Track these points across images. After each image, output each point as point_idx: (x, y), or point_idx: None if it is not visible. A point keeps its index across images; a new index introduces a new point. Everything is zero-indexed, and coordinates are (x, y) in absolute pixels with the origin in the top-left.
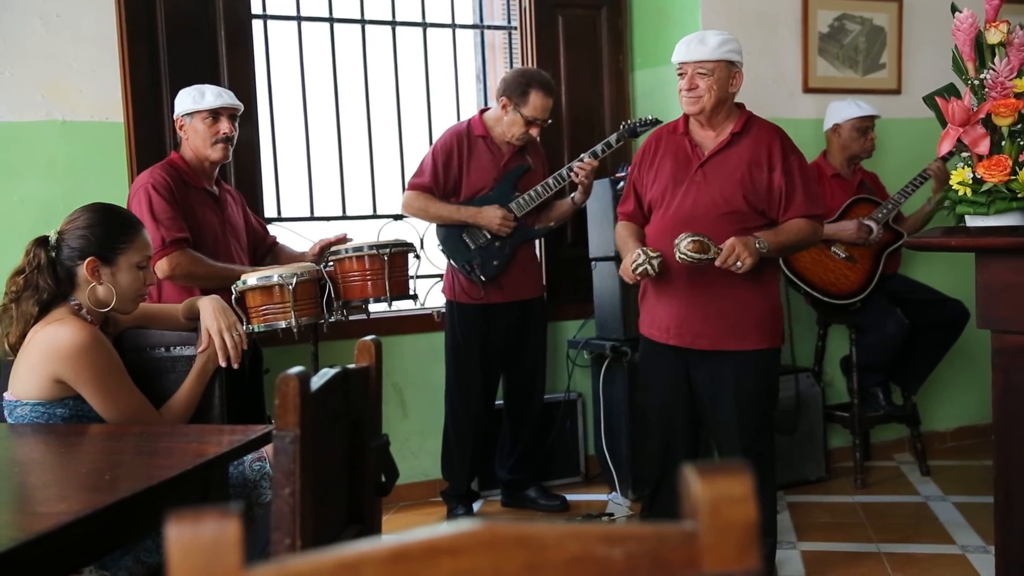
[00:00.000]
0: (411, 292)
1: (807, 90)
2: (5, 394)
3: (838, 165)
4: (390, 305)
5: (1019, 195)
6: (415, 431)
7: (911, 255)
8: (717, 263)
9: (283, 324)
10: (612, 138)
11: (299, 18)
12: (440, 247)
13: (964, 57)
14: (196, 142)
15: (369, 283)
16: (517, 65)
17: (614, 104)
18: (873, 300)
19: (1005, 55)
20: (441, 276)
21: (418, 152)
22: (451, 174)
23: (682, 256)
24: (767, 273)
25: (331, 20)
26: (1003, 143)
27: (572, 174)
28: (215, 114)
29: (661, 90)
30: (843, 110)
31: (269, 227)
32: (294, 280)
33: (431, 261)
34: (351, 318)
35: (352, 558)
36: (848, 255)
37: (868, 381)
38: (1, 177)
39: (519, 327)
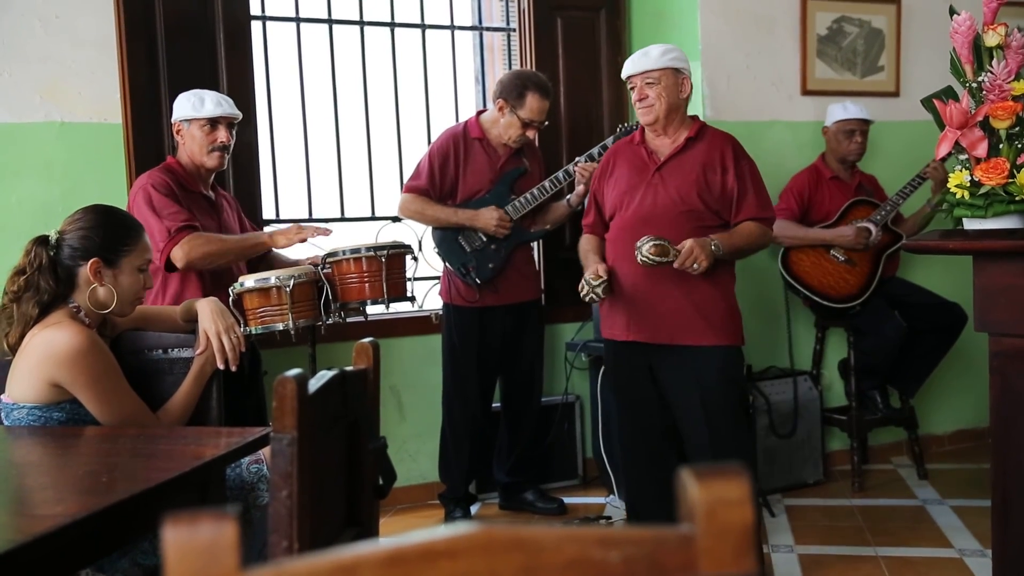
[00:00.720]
0: (409, 294)
1: (805, 92)
2: (2, 397)
3: (835, 167)
4: (387, 307)
5: (1017, 198)
6: (412, 434)
7: (909, 258)
8: (675, 265)
9: (280, 326)
10: (609, 140)
11: (298, 19)
12: (436, 250)
13: (962, 60)
14: (193, 148)
15: (366, 285)
16: (515, 67)
17: (612, 106)
18: (871, 303)
19: (1003, 58)
20: (439, 278)
21: (417, 154)
22: (447, 176)
23: (644, 259)
24: (723, 274)
25: (330, 21)
26: (1001, 146)
27: (577, 174)
28: (213, 122)
29: None
30: (832, 113)
31: (266, 228)
32: (291, 282)
33: (429, 263)
34: (349, 320)
35: (349, 560)
36: (847, 258)
37: (866, 384)
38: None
39: (515, 330)
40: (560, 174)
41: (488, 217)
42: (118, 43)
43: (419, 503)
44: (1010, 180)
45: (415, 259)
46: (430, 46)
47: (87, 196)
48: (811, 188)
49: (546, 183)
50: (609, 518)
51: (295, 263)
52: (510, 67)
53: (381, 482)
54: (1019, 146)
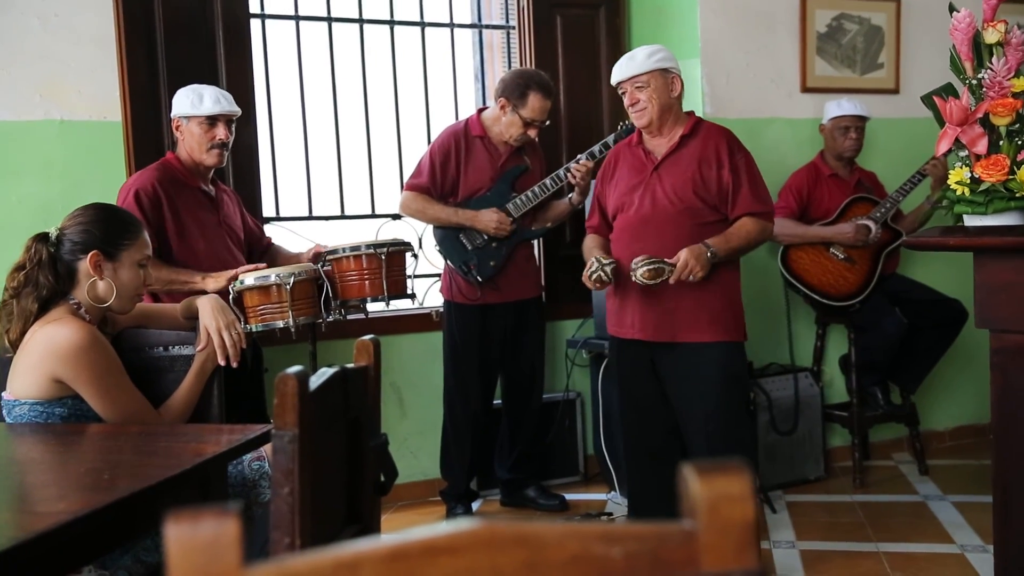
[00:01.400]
0: (409, 291)
1: (805, 90)
2: (4, 393)
3: (834, 164)
4: (388, 304)
5: (1017, 194)
6: (414, 431)
7: (909, 255)
8: (671, 280)
9: (281, 324)
10: (610, 139)
11: (297, 17)
12: (437, 247)
13: (962, 57)
14: (191, 144)
15: (367, 282)
16: (515, 65)
17: (612, 104)
18: (872, 300)
19: (1003, 55)
20: (439, 276)
21: (416, 151)
22: (448, 174)
23: (639, 281)
24: (726, 271)
25: (329, 19)
26: (1001, 143)
27: (569, 175)
28: (212, 120)
29: None
30: (828, 110)
31: (267, 227)
32: (291, 280)
33: (429, 260)
34: (349, 317)
35: (351, 557)
36: (847, 256)
37: (867, 381)
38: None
39: (516, 327)
40: (561, 172)
41: (488, 219)
42: (117, 41)
43: (420, 500)
44: (1010, 177)
45: (415, 256)
46: (429, 44)
47: (87, 194)
48: (810, 185)
49: (547, 181)
50: (611, 514)
51: (296, 257)
52: (509, 65)
53: (383, 479)
54: (1019, 143)
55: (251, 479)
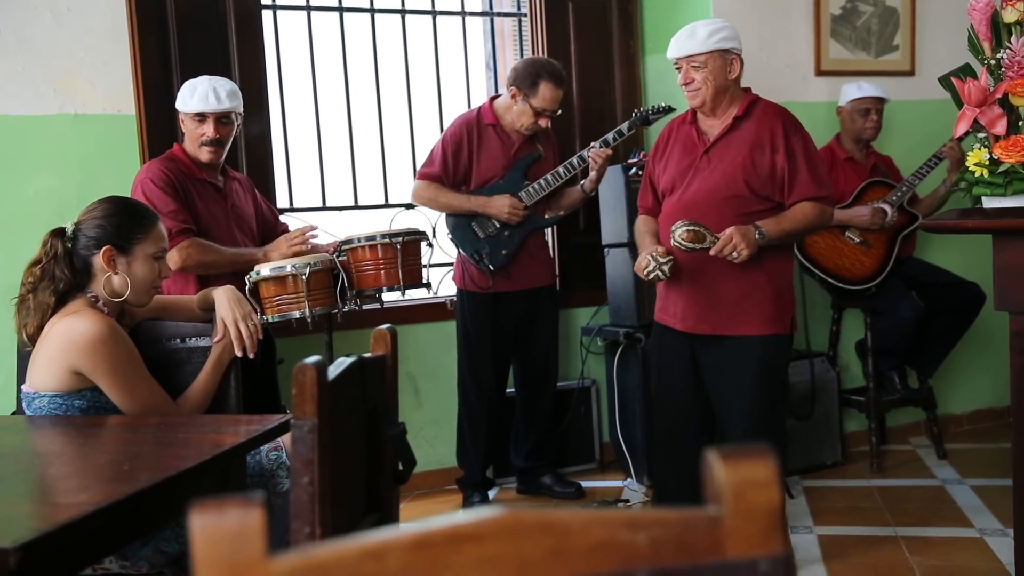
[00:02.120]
0: (424, 280)
1: (819, 73)
2: (23, 386)
3: (850, 148)
4: (403, 294)
5: None
6: (429, 419)
7: (926, 238)
8: (712, 252)
9: (297, 314)
10: (624, 126)
11: (308, 8)
12: (449, 236)
13: (980, 37)
14: (188, 139)
15: (382, 272)
16: (527, 52)
17: (625, 90)
18: (888, 284)
19: (1022, 34)
20: (453, 264)
21: (429, 140)
22: (461, 163)
23: (676, 244)
24: (777, 259)
25: (340, 9)
26: (1020, 123)
27: (591, 159)
28: (200, 116)
29: (673, 76)
30: (846, 92)
31: (282, 218)
32: (307, 270)
33: (443, 250)
34: (364, 307)
35: (376, 546)
36: (862, 240)
37: (884, 365)
38: (16, 171)
39: (530, 315)
40: (574, 160)
41: (501, 204)
42: (130, 34)
43: (437, 489)
44: None
45: (430, 245)
46: (441, 32)
47: (102, 187)
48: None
49: (560, 169)
50: (627, 501)
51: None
52: (521, 52)
53: (401, 467)
54: None
55: (269, 469)
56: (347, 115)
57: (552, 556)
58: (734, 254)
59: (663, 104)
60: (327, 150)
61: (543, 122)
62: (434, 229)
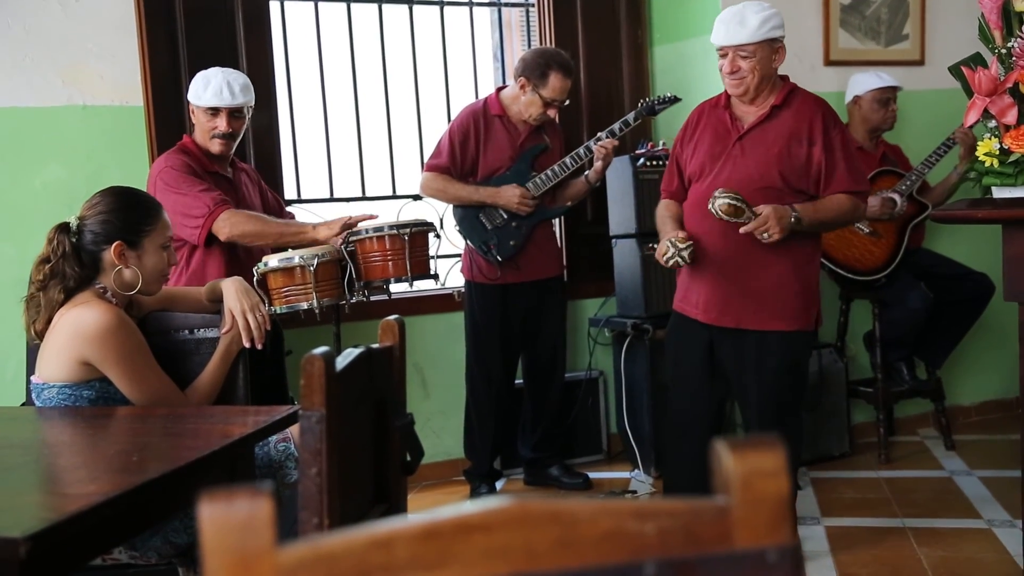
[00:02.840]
0: (432, 272)
1: (828, 63)
2: (32, 377)
3: (860, 138)
4: (411, 285)
5: None
6: (437, 410)
7: (935, 228)
8: (744, 230)
9: (305, 305)
10: (630, 116)
11: None
12: (457, 227)
13: (991, 25)
14: (199, 131)
15: (390, 263)
16: (535, 43)
17: (633, 80)
18: (897, 275)
19: None
20: (461, 256)
21: (436, 131)
22: (468, 154)
23: (713, 211)
24: (805, 252)
25: (348, 0)
26: None
27: (596, 150)
28: (213, 110)
29: (681, 66)
30: (864, 82)
31: (289, 209)
32: (315, 261)
33: (451, 241)
34: (372, 299)
35: (384, 535)
36: (872, 230)
37: (892, 356)
38: (24, 162)
39: (537, 306)
40: (581, 150)
41: (510, 194)
42: (138, 25)
43: (444, 479)
44: None
45: (438, 237)
46: (448, 22)
47: (110, 179)
48: None
49: (567, 159)
50: (634, 492)
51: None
52: (529, 43)
53: (409, 458)
54: None
55: (277, 460)
56: (355, 106)
57: (560, 546)
58: (765, 235)
59: (669, 95)
60: (335, 141)
61: (552, 112)
62: (442, 220)
